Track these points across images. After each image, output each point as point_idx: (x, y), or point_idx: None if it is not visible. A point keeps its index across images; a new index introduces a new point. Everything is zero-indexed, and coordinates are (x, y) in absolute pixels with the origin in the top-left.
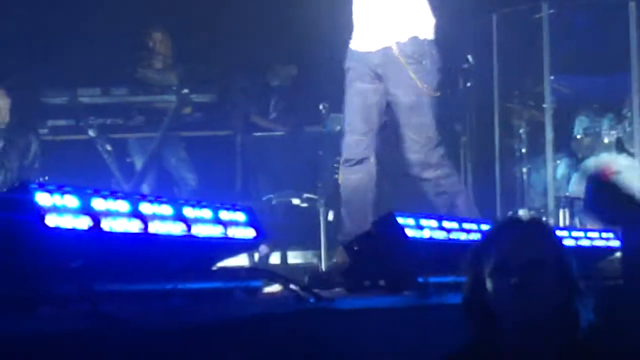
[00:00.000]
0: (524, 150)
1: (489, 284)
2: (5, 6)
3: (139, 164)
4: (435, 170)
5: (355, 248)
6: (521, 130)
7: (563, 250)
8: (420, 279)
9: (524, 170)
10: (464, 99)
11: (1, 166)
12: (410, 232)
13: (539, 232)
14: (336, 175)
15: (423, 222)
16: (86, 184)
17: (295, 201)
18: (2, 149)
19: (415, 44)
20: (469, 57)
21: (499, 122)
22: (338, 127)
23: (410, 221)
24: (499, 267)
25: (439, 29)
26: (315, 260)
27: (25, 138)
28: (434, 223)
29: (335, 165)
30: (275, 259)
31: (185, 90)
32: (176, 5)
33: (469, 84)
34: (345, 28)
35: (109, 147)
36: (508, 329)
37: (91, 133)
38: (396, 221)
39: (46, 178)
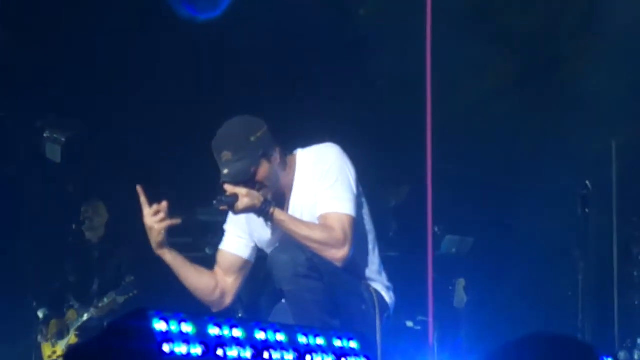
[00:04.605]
0: None
1: None
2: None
3: None
4: None
5: None
6: None
7: None
8: None
9: None
10: (583, 224)
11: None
12: None
13: None
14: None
15: None
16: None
17: (409, 324)
18: (98, 261)
19: None
20: (588, 182)
21: (618, 249)
22: (453, 250)
23: None
24: None
25: None
26: None
27: (117, 253)
28: None
29: (450, 288)
30: None
31: None
32: None
33: (587, 210)
34: None
35: None
36: None
37: (207, 251)
38: None
39: (135, 292)
